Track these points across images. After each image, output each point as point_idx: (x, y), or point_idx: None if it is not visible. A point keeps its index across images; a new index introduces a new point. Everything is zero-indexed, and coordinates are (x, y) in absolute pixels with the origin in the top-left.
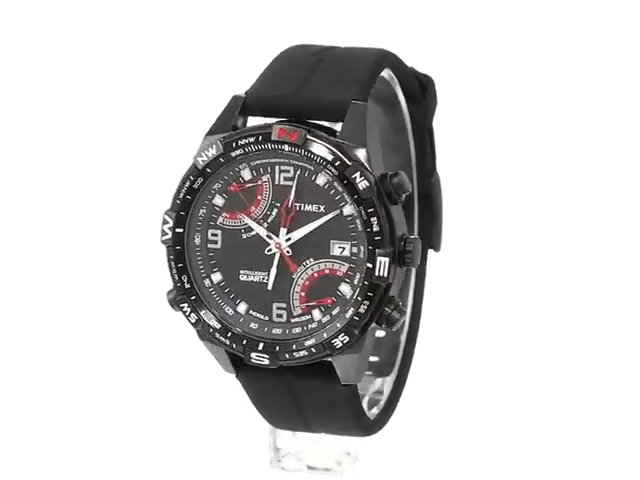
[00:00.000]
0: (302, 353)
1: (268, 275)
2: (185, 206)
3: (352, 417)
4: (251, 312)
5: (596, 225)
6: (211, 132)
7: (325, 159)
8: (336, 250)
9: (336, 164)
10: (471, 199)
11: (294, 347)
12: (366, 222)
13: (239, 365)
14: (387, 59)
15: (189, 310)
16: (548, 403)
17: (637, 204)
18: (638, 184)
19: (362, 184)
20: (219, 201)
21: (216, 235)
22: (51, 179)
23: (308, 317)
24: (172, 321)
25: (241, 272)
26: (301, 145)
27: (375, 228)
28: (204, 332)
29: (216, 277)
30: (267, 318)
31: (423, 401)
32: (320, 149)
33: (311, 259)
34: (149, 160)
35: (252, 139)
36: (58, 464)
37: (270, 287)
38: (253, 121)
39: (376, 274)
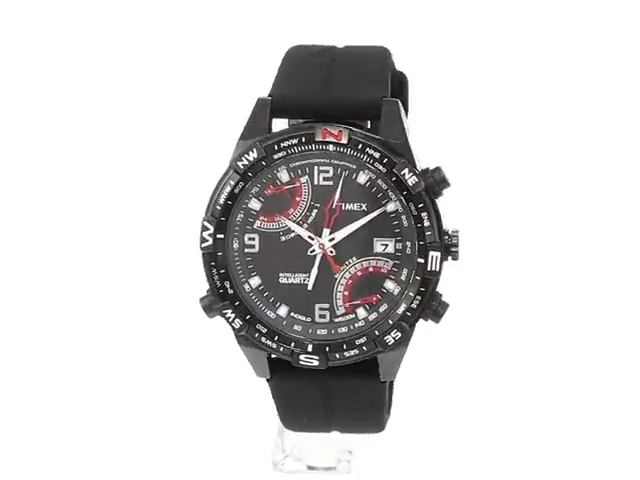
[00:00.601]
0: (353, 352)
1: (309, 276)
2: (225, 211)
3: (379, 413)
4: (292, 314)
5: (594, 227)
6: (245, 136)
7: (372, 157)
8: (379, 247)
9: (384, 161)
10: (469, 199)
11: (344, 347)
12: (416, 217)
13: (274, 369)
14: (390, 56)
15: (233, 316)
16: (546, 399)
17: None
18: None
19: (411, 180)
20: (256, 205)
21: (253, 239)
22: (57, 181)
23: (352, 316)
24: (175, 323)
25: (280, 275)
26: (347, 144)
27: (426, 223)
28: (249, 337)
29: (255, 281)
30: (309, 319)
31: (422, 401)
32: (366, 147)
33: (354, 258)
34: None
35: (295, 141)
36: (58, 464)
37: (311, 288)
38: (275, 123)
39: (428, 269)
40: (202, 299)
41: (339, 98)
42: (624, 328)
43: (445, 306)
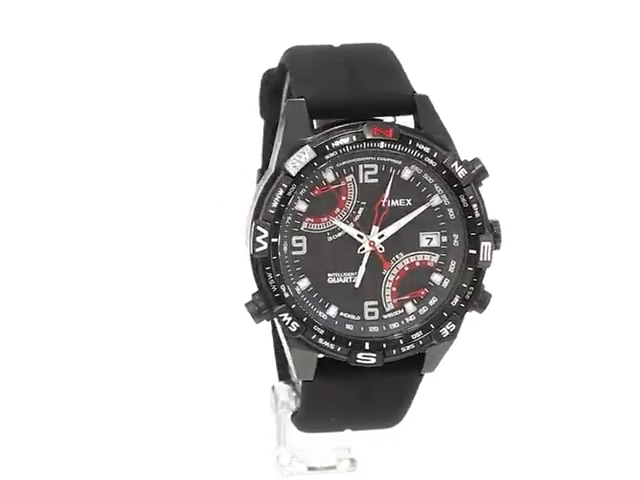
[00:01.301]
0: (409, 347)
1: (356, 275)
2: (278, 215)
3: (406, 408)
4: (342, 314)
5: (594, 227)
6: (289, 139)
7: (423, 151)
8: (424, 242)
9: (434, 155)
10: None
11: (401, 342)
12: (467, 209)
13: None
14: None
15: (290, 319)
16: (545, 400)
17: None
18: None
19: (461, 172)
20: (302, 206)
21: (301, 241)
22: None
23: (401, 311)
24: (176, 325)
25: (329, 275)
26: (397, 140)
27: (477, 214)
28: (306, 339)
29: (304, 283)
30: (359, 318)
31: (423, 401)
32: (416, 142)
33: (401, 253)
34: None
35: (346, 140)
36: (59, 465)
37: (358, 286)
38: None
39: (481, 259)
40: (250, 304)
41: (372, 95)
42: (628, 332)
43: (488, 296)
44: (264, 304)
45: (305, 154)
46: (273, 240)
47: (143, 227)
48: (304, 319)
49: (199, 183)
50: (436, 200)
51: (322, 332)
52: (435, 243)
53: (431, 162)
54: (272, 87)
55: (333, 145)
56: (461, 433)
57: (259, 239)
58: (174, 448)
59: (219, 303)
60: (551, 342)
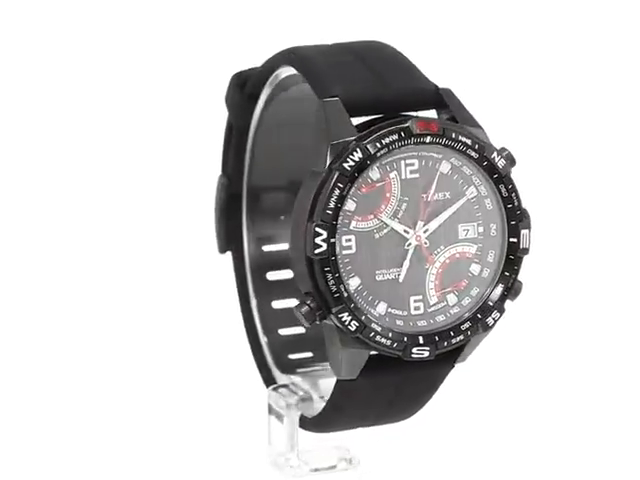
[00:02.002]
0: (459, 338)
1: (400, 270)
2: (335, 215)
3: (429, 399)
4: (390, 310)
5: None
6: (334, 139)
7: (466, 144)
8: (462, 233)
9: (475, 147)
10: None
11: (452, 334)
12: (506, 199)
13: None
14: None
15: (350, 318)
16: (546, 400)
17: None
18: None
19: (501, 162)
20: (351, 205)
21: (350, 240)
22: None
23: (444, 303)
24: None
25: (377, 272)
26: (442, 134)
27: (515, 203)
28: (364, 338)
29: (354, 282)
30: (405, 313)
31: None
32: (459, 135)
33: (442, 246)
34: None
35: (395, 137)
36: (61, 466)
37: (402, 281)
38: None
39: (521, 247)
40: (302, 306)
41: (402, 90)
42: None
43: (521, 284)
44: (317, 305)
45: (357, 152)
46: (332, 240)
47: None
48: (362, 317)
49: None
50: (473, 191)
51: (379, 329)
52: (472, 234)
53: (473, 154)
54: (249, 91)
55: (383, 142)
56: (461, 433)
57: (318, 240)
58: (170, 452)
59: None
60: (551, 342)
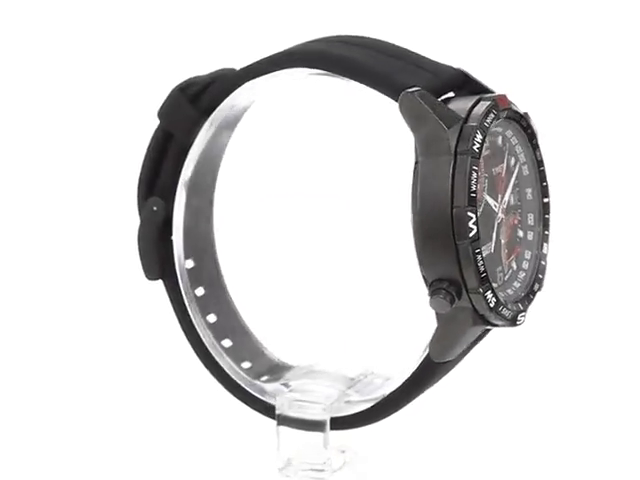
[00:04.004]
0: (532, 299)
1: (491, 244)
2: (476, 197)
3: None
4: (492, 284)
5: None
6: (449, 125)
7: (519, 114)
8: (511, 201)
9: (521, 117)
10: None
11: (531, 297)
12: (540, 162)
13: None
14: None
15: (491, 295)
16: (545, 400)
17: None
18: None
19: (535, 129)
20: (481, 186)
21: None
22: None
23: (513, 269)
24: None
25: (483, 248)
26: (509, 108)
27: (545, 166)
28: (497, 313)
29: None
30: (496, 285)
31: (423, 401)
32: (515, 107)
33: (504, 217)
34: None
35: (493, 115)
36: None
37: (493, 254)
38: None
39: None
40: (437, 294)
41: (448, 74)
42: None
43: None
44: (456, 289)
45: (478, 134)
46: (477, 223)
47: None
48: (499, 294)
49: None
50: (513, 160)
51: (504, 301)
52: (513, 201)
53: (523, 123)
54: (205, 104)
55: (486, 122)
56: (460, 433)
57: (470, 224)
58: (179, 458)
59: None
60: (551, 342)
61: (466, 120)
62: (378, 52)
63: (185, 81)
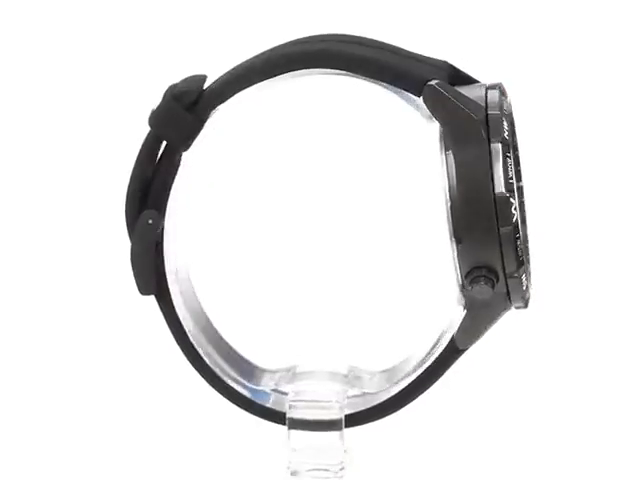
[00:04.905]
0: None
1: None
2: (513, 183)
3: None
4: None
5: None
6: (476, 114)
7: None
8: None
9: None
10: None
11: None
12: (515, 147)
13: None
14: None
15: (525, 279)
16: (544, 401)
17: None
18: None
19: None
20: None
21: None
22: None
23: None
24: None
25: None
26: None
27: (517, 152)
28: (522, 295)
29: None
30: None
31: (423, 401)
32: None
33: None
34: None
35: (507, 102)
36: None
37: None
38: None
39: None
40: (476, 281)
41: (445, 66)
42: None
43: None
44: (495, 275)
45: (504, 123)
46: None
47: None
48: (530, 278)
49: None
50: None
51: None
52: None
53: (512, 110)
54: (200, 112)
55: (505, 110)
56: (460, 433)
57: (512, 209)
58: (188, 461)
59: None
60: (551, 342)
61: (486, 108)
62: (382, 49)
63: (177, 88)
